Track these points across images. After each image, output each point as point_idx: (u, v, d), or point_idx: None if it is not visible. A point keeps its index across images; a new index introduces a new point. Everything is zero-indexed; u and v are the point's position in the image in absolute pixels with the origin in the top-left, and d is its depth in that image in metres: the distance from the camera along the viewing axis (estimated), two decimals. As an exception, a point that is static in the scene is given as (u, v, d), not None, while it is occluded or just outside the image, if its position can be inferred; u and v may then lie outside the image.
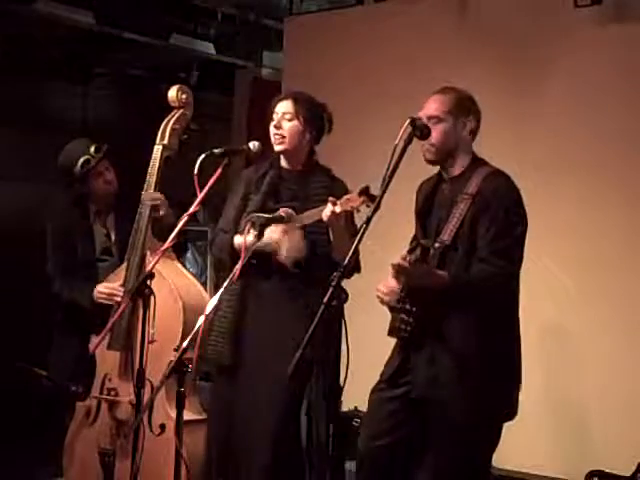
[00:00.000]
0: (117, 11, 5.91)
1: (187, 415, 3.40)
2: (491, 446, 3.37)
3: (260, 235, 3.48)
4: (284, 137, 3.67)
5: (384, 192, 3.01)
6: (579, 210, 4.81)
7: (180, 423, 3.25)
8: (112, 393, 3.89)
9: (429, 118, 3.35)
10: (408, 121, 3.15)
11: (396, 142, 3.06)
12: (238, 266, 3.35)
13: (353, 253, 2.95)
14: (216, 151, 3.46)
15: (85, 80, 6.59)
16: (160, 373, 3.29)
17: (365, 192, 3.27)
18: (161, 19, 6.22)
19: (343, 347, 2.97)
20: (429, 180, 3.56)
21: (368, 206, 3.23)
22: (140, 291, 3.42)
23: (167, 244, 3.46)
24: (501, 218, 3.26)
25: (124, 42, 6.12)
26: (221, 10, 6.48)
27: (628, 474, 4.30)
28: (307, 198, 3.67)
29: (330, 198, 3.40)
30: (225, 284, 3.32)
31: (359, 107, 5.50)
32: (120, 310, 3.69)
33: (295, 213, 3.59)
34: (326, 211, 3.42)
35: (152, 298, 3.41)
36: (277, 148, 3.71)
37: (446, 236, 3.29)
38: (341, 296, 2.92)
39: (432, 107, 3.39)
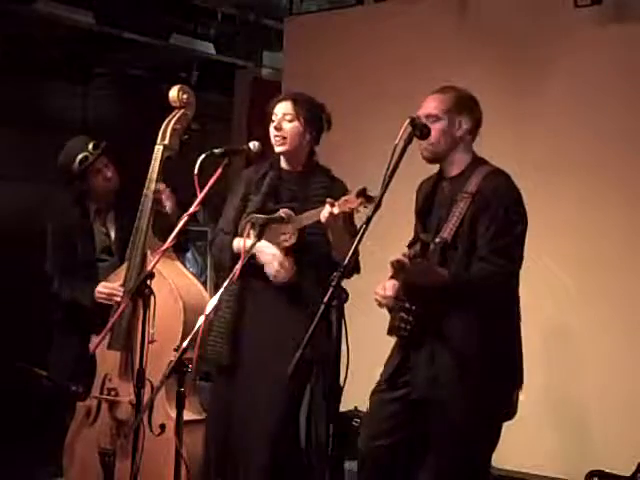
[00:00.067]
0: (117, 11, 5.91)
1: (187, 415, 3.41)
2: (491, 446, 3.37)
3: (260, 235, 3.48)
4: (285, 138, 3.67)
5: (384, 192, 3.01)
6: (579, 210, 4.81)
7: (180, 423, 3.25)
8: (112, 393, 3.89)
9: (426, 117, 3.35)
10: (408, 121, 3.15)
11: (396, 142, 3.06)
12: (238, 266, 3.35)
13: (353, 253, 2.95)
14: (216, 151, 3.46)
15: (85, 80, 6.59)
16: (160, 373, 3.29)
17: (362, 193, 3.27)
18: (161, 19, 6.22)
19: (343, 347, 2.96)
20: (429, 179, 3.56)
21: (366, 207, 3.23)
22: (140, 291, 3.42)
23: (167, 244, 3.46)
24: (501, 217, 3.26)
25: (124, 42, 6.12)
26: (221, 10, 6.48)
27: (628, 474, 4.30)
28: (307, 199, 3.67)
29: (328, 200, 3.40)
30: (225, 284, 3.33)
31: (359, 107, 5.50)
32: (120, 310, 3.69)
33: (294, 214, 3.60)
34: (324, 212, 3.42)
35: (152, 298, 3.42)
36: (278, 149, 3.71)
37: (446, 234, 3.30)
38: (341, 296, 2.92)
39: (429, 106, 3.40)
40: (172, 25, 6.32)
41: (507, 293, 3.34)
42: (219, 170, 3.40)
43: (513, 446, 3.71)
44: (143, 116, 5.60)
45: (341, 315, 2.94)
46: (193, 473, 3.60)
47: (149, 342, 3.42)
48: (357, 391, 3.36)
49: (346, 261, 2.93)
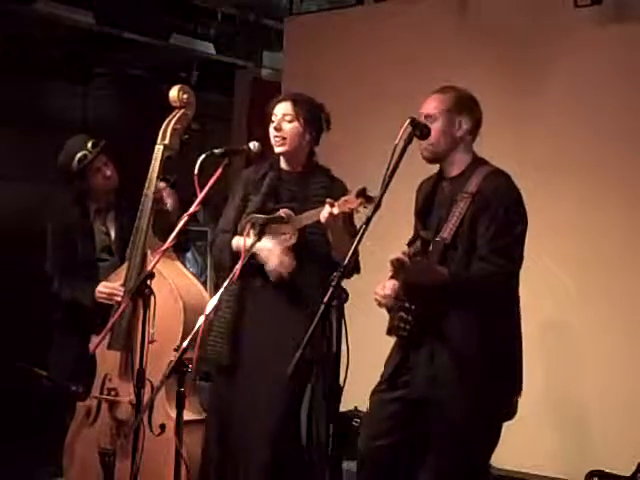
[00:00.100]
0: (117, 11, 5.91)
1: (187, 415, 3.41)
2: (490, 446, 3.37)
3: (260, 235, 3.48)
4: (285, 139, 3.67)
5: (384, 192, 3.01)
6: (579, 210, 4.81)
7: (180, 423, 3.26)
8: (112, 393, 3.89)
9: (426, 117, 3.36)
10: (408, 121, 3.15)
11: (396, 142, 3.06)
12: (238, 266, 3.35)
13: (353, 253, 2.95)
14: (216, 151, 3.46)
15: (85, 80, 6.59)
16: (160, 373, 3.29)
17: (362, 193, 3.27)
18: (161, 19, 6.22)
19: (343, 347, 2.96)
20: (429, 180, 3.56)
21: (365, 207, 3.24)
22: (140, 291, 3.42)
23: (168, 244, 3.47)
24: (501, 217, 3.26)
25: (124, 42, 6.12)
26: (221, 10, 6.48)
27: (628, 474, 4.30)
28: (306, 199, 3.67)
29: (328, 200, 3.40)
30: (225, 284, 3.33)
31: (359, 107, 5.51)
32: (120, 310, 3.69)
33: (294, 214, 3.60)
34: (324, 212, 3.42)
35: (152, 298, 3.42)
36: (278, 150, 3.70)
37: (446, 234, 3.30)
38: (341, 296, 2.92)
39: (429, 106, 3.41)
40: (172, 25, 6.33)
41: (507, 293, 3.34)
42: (219, 170, 3.40)
43: (513, 446, 3.71)
44: (143, 116, 5.60)
45: (341, 315, 2.94)
46: (193, 473, 3.60)
47: (149, 342, 3.42)
48: (357, 391, 3.36)
49: (346, 261, 2.93)
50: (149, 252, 3.88)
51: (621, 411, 4.59)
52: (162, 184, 3.95)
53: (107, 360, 3.93)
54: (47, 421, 4.29)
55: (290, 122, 3.67)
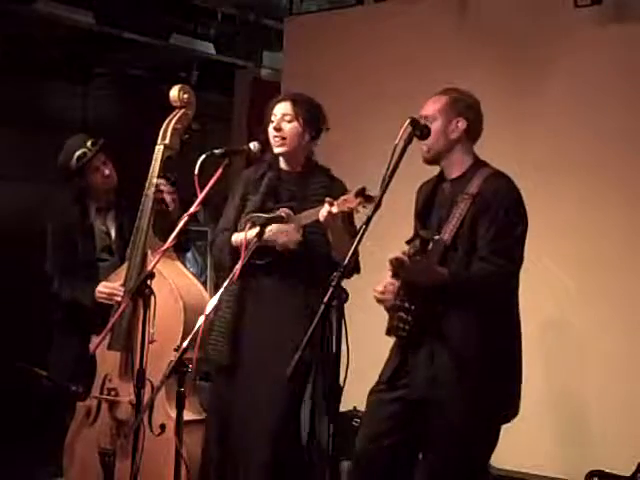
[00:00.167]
0: (117, 11, 5.91)
1: (187, 415, 3.41)
2: (489, 447, 3.36)
3: (260, 235, 3.48)
4: (284, 139, 3.67)
5: (384, 192, 3.01)
6: (579, 210, 4.81)
7: (180, 423, 3.26)
8: (112, 393, 3.89)
9: (425, 118, 3.36)
10: (408, 121, 3.16)
11: (396, 142, 3.06)
12: (238, 266, 3.35)
13: (353, 253, 2.95)
14: (217, 151, 3.46)
15: (85, 80, 6.59)
16: (160, 373, 3.29)
17: (361, 193, 3.28)
18: (161, 19, 6.22)
19: (343, 347, 2.96)
20: (429, 182, 3.56)
21: (365, 207, 3.24)
22: (140, 291, 3.42)
23: (168, 244, 3.47)
24: (501, 218, 3.27)
25: (124, 42, 6.12)
26: (221, 10, 6.48)
27: (628, 474, 4.30)
28: (305, 198, 3.67)
29: (327, 199, 3.40)
30: (225, 284, 3.33)
31: (359, 107, 5.51)
32: (120, 310, 3.69)
33: (293, 213, 3.60)
34: (323, 211, 3.42)
35: (152, 298, 3.42)
36: (277, 150, 3.70)
37: (446, 236, 3.30)
38: (341, 296, 2.92)
39: (427, 107, 3.42)
40: (172, 25, 6.32)
41: (507, 293, 3.34)
42: (219, 170, 3.41)
43: (513, 446, 3.71)
44: (143, 116, 5.60)
45: (341, 315, 2.94)
46: (193, 473, 3.60)
47: (149, 342, 3.42)
48: (357, 391, 3.36)
49: (346, 261, 2.93)
50: (149, 252, 3.88)
51: (621, 411, 4.59)
52: (162, 181, 3.94)
53: (107, 360, 3.93)
54: (47, 421, 4.29)
55: (290, 122, 3.67)
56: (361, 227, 2.97)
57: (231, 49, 6.71)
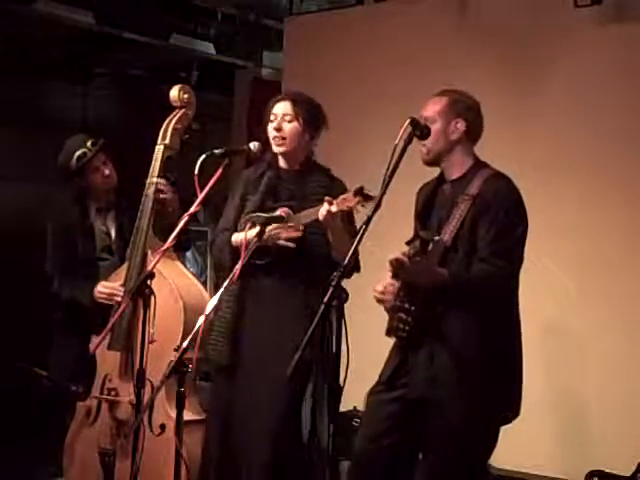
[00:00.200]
0: (117, 11, 5.91)
1: (187, 415, 3.41)
2: (488, 448, 3.36)
3: (260, 235, 3.48)
4: (284, 138, 3.67)
5: (384, 192, 3.02)
6: (579, 210, 4.82)
7: (180, 423, 3.26)
8: (112, 393, 3.89)
9: (425, 119, 3.36)
10: (408, 121, 3.16)
11: (396, 142, 3.06)
12: (238, 266, 3.35)
13: (353, 253, 2.95)
14: (217, 151, 3.46)
15: (85, 80, 6.59)
16: (160, 373, 3.29)
17: (360, 192, 3.28)
18: (161, 19, 6.22)
19: (343, 347, 2.97)
20: (429, 183, 3.56)
21: (364, 206, 3.24)
22: (140, 291, 3.42)
23: (168, 244, 3.47)
24: (501, 219, 3.26)
25: (124, 42, 6.12)
26: (221, 10, 6.48)
27: (628, 474, 4.30)
28: (305, 197, 3.67)
29: (326, 198, 3.40)
30: (225, 284, 3.33)
31: (359, 107, 5.51)
32: (120, 310, 3.69)
33: (293, 212, 3.60)
34: (322, 210, 3.42)
35: (152, 298, 3.42)
36: (277, 150, 3.70)
37: (446, 237, 3.30)
38: (341, 296, 2.92)
39: (427, 108, 3.42)
40: (172, 25, 6.33)
41: (507, 294, 3.34)
42: (219, 170, 3.41)
43: (513, 446, 3.71)
44: (143, 116, 5.60)
45: (341, 315, 2.94)
46: (193, 473, 3.60)
47: (149, 342, 3.42)
48: (357, 391, 3.36)
49: (346, 261, 2.93)
50: (149, 252, 3.88)
51: (621, 411, 4.60)
52: (162, 181, 3.95)
53: (107, 360, 3.93)
54: (47, 421, 4.29)
55: (290, 122, 3.67)
56: (361, 227, 2.97)
57: (231, 49, 6.72)
